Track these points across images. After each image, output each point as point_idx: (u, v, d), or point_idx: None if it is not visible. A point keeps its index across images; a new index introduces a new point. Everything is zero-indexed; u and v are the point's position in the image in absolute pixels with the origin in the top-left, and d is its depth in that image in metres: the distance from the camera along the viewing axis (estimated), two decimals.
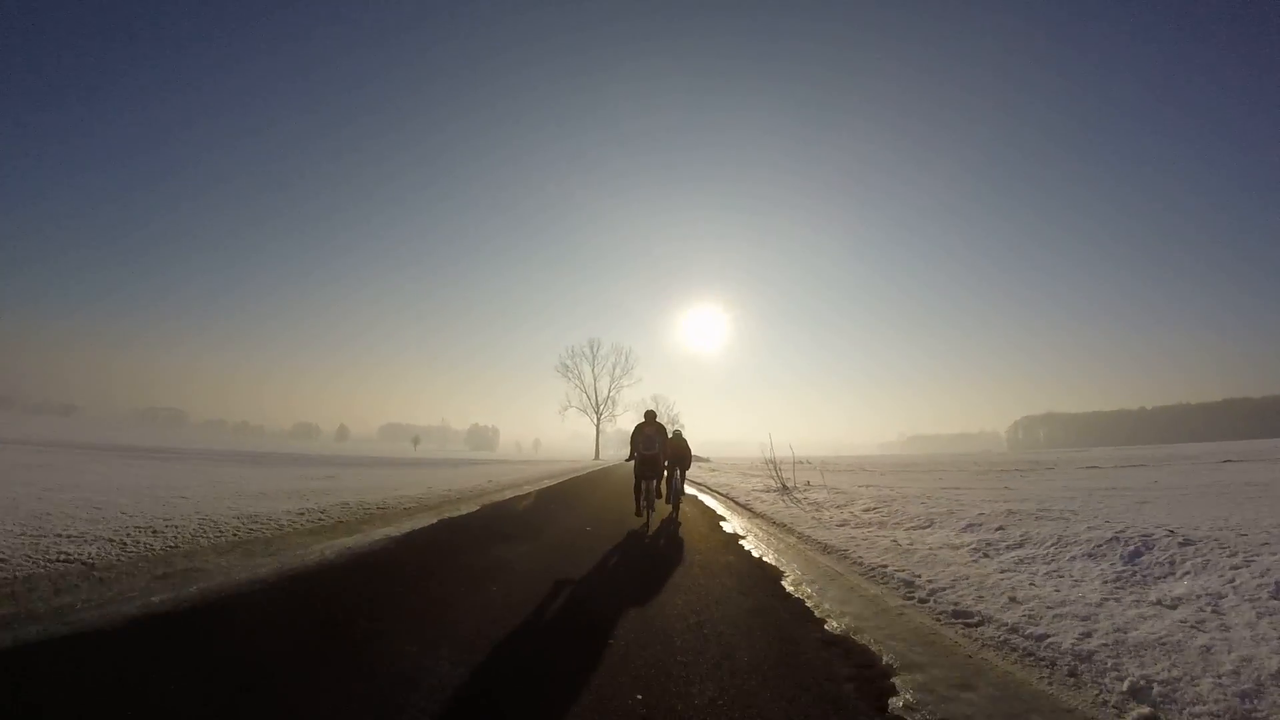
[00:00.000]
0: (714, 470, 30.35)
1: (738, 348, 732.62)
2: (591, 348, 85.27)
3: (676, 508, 11.30)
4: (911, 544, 7.54)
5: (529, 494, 16.41)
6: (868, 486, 15.63)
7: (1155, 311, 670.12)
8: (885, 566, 6.35)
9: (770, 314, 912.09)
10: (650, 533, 9.29)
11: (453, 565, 6.22)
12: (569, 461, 62.51)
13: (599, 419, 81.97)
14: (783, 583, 5.90)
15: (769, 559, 7.22)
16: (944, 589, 5.41)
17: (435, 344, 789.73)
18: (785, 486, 15.77)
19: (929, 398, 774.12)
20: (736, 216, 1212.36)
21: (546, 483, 22.18)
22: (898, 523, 9.27)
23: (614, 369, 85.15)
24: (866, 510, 10.74)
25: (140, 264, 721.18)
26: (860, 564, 6.70)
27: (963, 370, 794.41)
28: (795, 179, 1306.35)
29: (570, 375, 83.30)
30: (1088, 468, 26.12)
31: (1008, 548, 6.88)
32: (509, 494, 16.01)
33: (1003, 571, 5.96)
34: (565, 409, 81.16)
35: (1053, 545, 6.57)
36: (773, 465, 17.43)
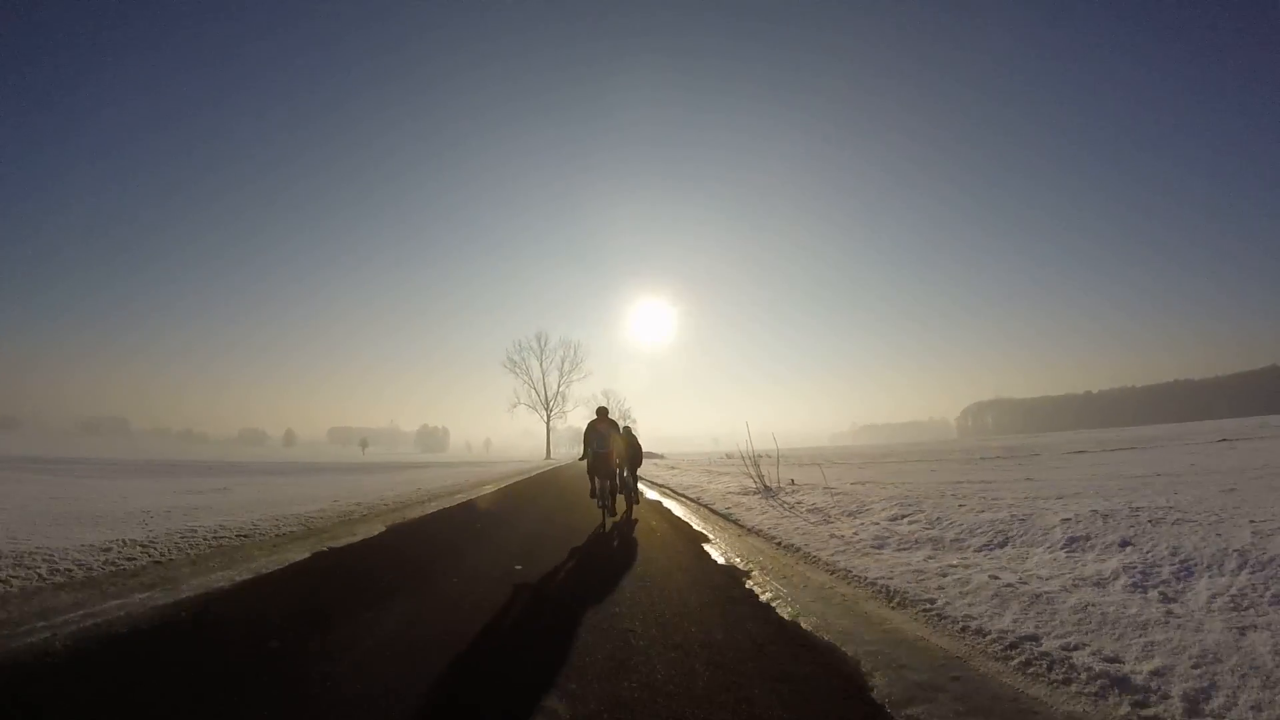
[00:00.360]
0: (673, 468, 27.70)
1: (686, 341, 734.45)
2: (539, 341, 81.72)
3: (630, 508, 10.82)
4: (1024, 580, 4.78)
5: (456, 506, 13.36)
6: (864, 484, 13.00)
7: (1098, 296, 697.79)
8: (1037, 646, 3.52)
9: (717, 307, 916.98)
10: (613, 544, 8.33)
11: (243, 674, 3.13)
12: (518, 462, 59.08)
13: (549, 415, 78.65)
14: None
15: (822, 633, 4.01)
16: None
17: (384, 345, 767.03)
18: (767, 487, 12.88)
19: (878, 388, 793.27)
20: (685, 209, 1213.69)
21: (487, 488, 19.26)
22: (960, 540, 6.50)
23: (563, 363, 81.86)
24: (895, 519, 8.00)
25: (82, 272, 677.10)
26: (985, 637, 3.77)
27: (911, 359, 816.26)
28: (740, 169, 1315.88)
29: (518, 370, 79.65)
30: (1076, 452, 24.43)
31: (1209, 585, 4.20)
32: (431, 507, 12.94)
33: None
34: (514, 406, 77.61)
35: None
36: (750, 461, 14.54)
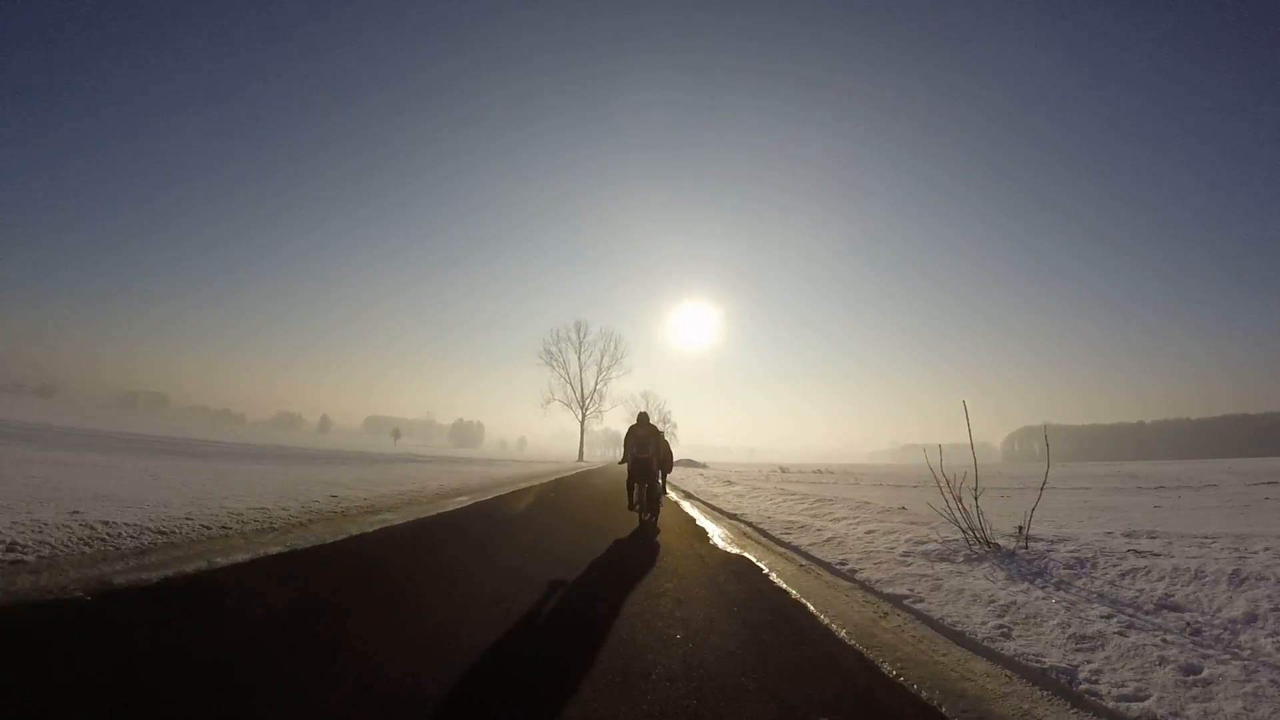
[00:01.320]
0: (730, 484, 22.34)
1: (726, 349, 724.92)
2: (578, 332, 76.89)
3: (655, 514, 9.95)
4: None
5: (449, 514, 9.29)
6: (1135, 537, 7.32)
7: (1153, 325, 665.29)
8: None
9: (760, 316, 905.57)
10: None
11: None
12: (549, 463, 54.25)
13: (584, 414, 73.70)
14: None
15: None
16: None
17: (423, 337, 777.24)
18: (989, 543, 6.24)
19: (919, 406, 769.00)
20: (730, 215, 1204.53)
21: (500, 490, 15.31)
22: None
23: (602, 357, 76.80)
24: None
25: (129, 248, 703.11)
26: None
27: (955, 379, 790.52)
28: (790, 181, 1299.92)
29: (554, 363, 74.97)
30: (1206, 486, 18.58)
31: None
32: (420, 511, 9.54)
33: None
34: (548, 402, 72.86)
35: None
36: (948, 490, 7.08)
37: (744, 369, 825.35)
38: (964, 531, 6.54)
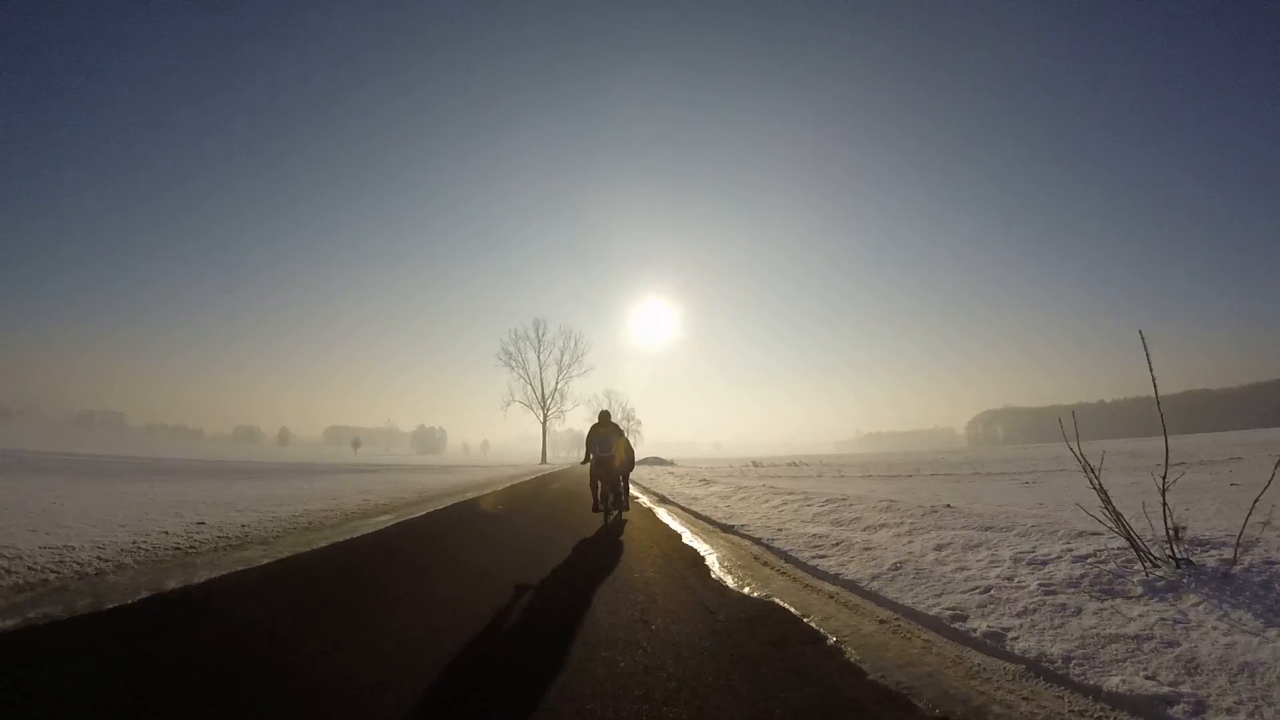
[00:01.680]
0: (707, 482, 19.96)
1: (686, 344, 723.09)
2: (537, 330, 74.11)
3: (621, 510, 10.47)
4: None
5: (343, 545, 6.13)
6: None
7: (1109, 304, 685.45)
8: None
9: (719, 312, 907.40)
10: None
11: None
12: (508, 467, 51.24)
13: (545, 414, 70.89)
14: None
15: None
16: None
17: (383, 344, 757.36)
18: (1172, 555, 3.88)
19: (881, 395, 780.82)
20: (687, 210, 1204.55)
21: (437, 504, 12.56)
22: None
23: (562, 356, 74.25)
24: None
25: (80, 266, 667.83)
26: None
27: (916, 366, 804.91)
28: (745, 171, 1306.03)
29: (513, 363, 71.88)
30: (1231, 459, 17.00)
31: None
32: (308, 542, 7.07)
33: None
34: (508, 404, 69.71)
35: None
36: (1092, 473, 4.53)
37: (706, 365, 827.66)
38: (1127, 540, 4.11)
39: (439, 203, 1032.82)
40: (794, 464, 40.99)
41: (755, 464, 43.56)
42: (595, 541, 7.66)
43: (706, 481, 19.76)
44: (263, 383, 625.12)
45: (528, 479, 26.11)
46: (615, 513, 9.98)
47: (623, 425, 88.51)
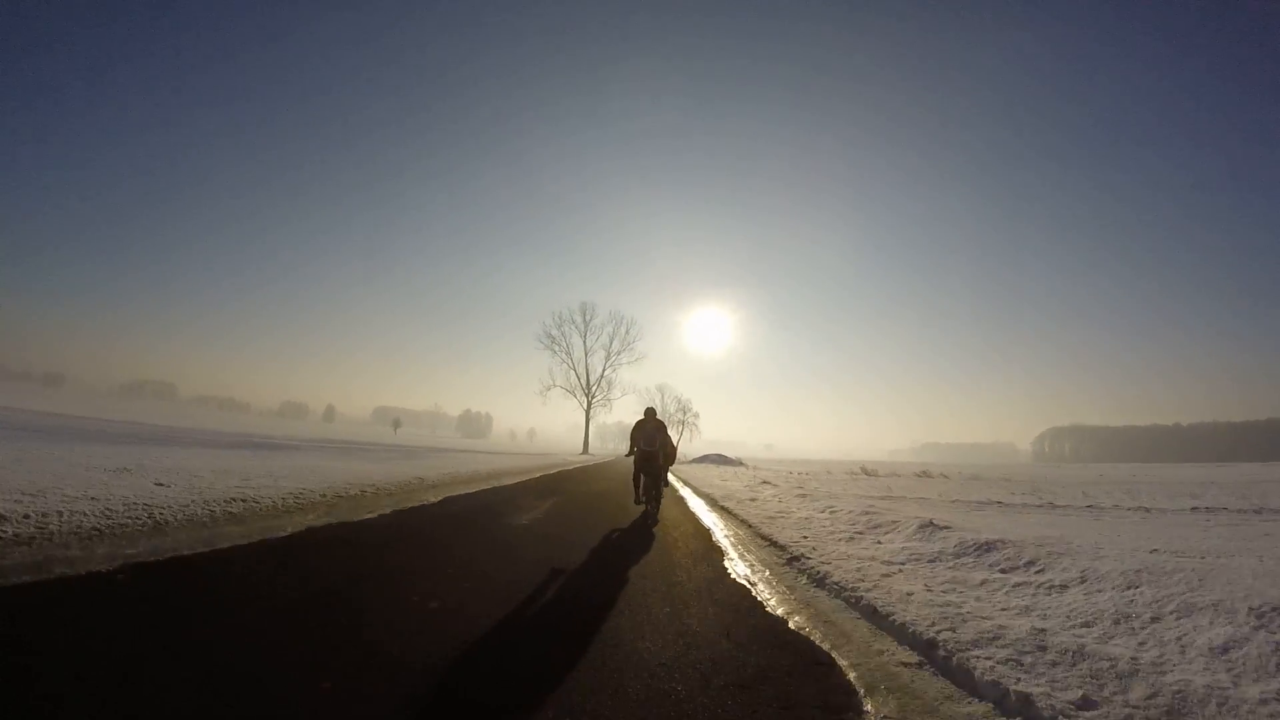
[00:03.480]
0: (831, 510, 16.04)
1: (741, 350, 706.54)
2: (583, 314, 70.21)
3: (657, 505, 10.15)
4: None
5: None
6: None
7: (1188, 325, 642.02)
8: None
9: (775, 318, 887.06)
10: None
11: None
12: (545, 455, 48.08)
13: (589, 403, 67.40)
14: None
15: None
16: None
17: (433, 327, 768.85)
18: None
19: (939, 405, 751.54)
20: (743, 218, 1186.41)
21: (437, 494, 9.66)
22: None
23: (611, 342, 70.17)
24: None
25: (138, 244, 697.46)
26: None
27: (977, 378, 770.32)
28: (806, 180, 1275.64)
29: (557, 348, 68.35)
30: None
31: None
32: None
33: None
34: (548, 389, 66.58)
35: None
36: None
37: (759, 368, 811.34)
38: None
39: (497, 196, 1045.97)
40: (864, 471, 36.05)
41: (865, 470, 37.19)
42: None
43: (832, 508, 11.24)
44: (312, 361, 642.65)
45: (555, 471, 22.56)
46: (653, 506, 10.06)
47: (679, 418, 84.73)
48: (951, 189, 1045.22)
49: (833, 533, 7.74)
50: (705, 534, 8.41)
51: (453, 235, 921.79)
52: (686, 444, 76.12)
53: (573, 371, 68.02)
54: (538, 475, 18.93)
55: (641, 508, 10.10)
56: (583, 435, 68.25)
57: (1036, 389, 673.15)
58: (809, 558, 6.22)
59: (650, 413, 10.46)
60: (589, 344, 69.52)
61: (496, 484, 14.36)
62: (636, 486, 10.18)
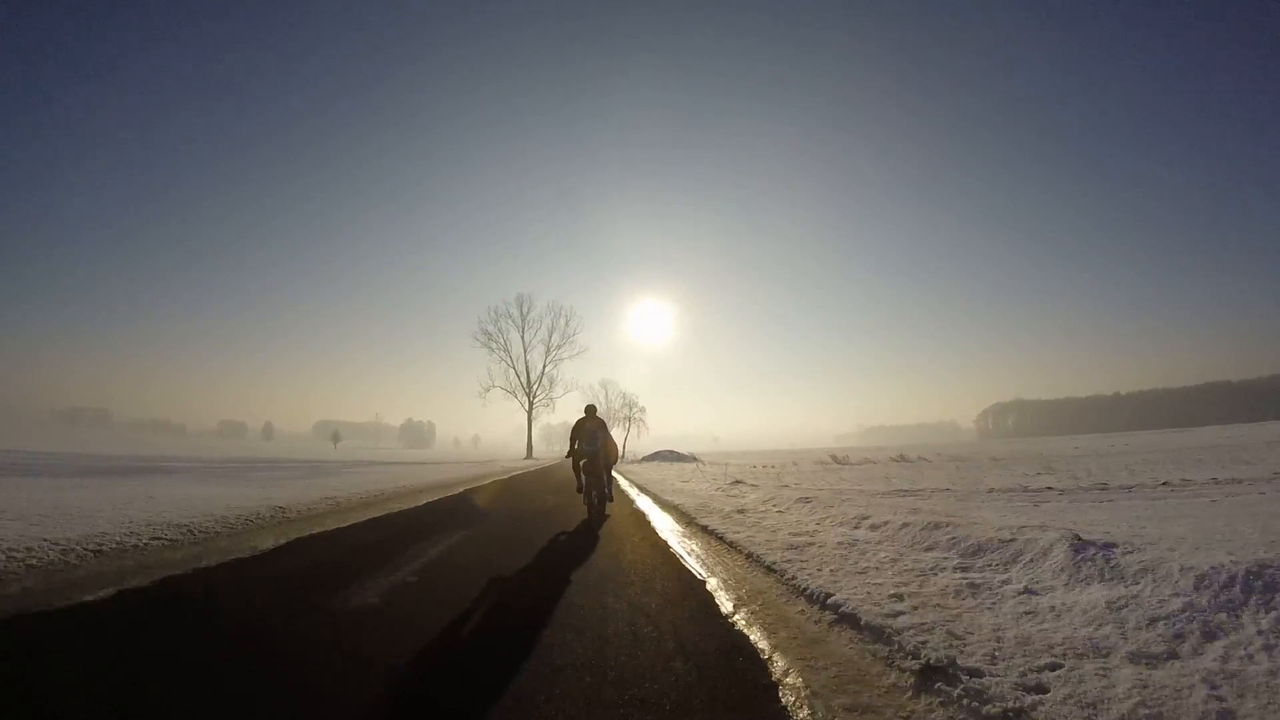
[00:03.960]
0: (867, 515, 12.70)
1: (685, 340, 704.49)
2: (520, 307, 65.96)
3: (603, 504, 10.33)
4: None
5: None
6: None
7: (1124, 294, 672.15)
8: None
9: (716, 307, 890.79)
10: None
11: None
12: (485, 462, 44.00)
13: (531, 402, 63.30)
14: None
15: None
16: None
17: (373, 338, 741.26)
18: None
19: (883, 388, 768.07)
20: (684, 208, 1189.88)
21: (280, 537, 5.28)
22: None
23: (550, 336, 66.20)
24: None
25: (65, 263, 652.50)
26: None
27: (917, 360, 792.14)
28: (742, 168, 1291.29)
29: (493, 344, 63.87)
30: None
31: None
32: None
33: None
34: (487, 389, 62.16)
35: None
36: None
37: (703, 360, 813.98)
38: None
39: (426, 196, 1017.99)
40: (826, 461, 33.33)
41: (836, 459, 33.56)
42: None
43: (806, 499, 12.08)
44: (250, 378, 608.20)
45: (481, 484, 18.75)
46: (599, 505, 10.15)
47: (625, 414, 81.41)
48: (881, 167, 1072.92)
49: (946, 589, 4.23)
50: (721, 623, 3.84)
51: (389, 238, 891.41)
52: (635, 441, 72.64)
53: (512, 369, 64.05)
54: (460, 490, 15.19)
55: (583, 498, 10.17)
56: (530, 438, 64.23)
57: (973, 368, 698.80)
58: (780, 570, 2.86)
59: (590, 410, 10.34)
60: (527, 339, 65.51)
61: (395, 508, 10.64)
62: (578, 476, 10.15)
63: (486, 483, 18.66)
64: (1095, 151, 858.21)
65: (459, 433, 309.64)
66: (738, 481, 15.72)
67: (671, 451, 53.35)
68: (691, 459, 45.87)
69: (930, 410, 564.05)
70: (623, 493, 14.42)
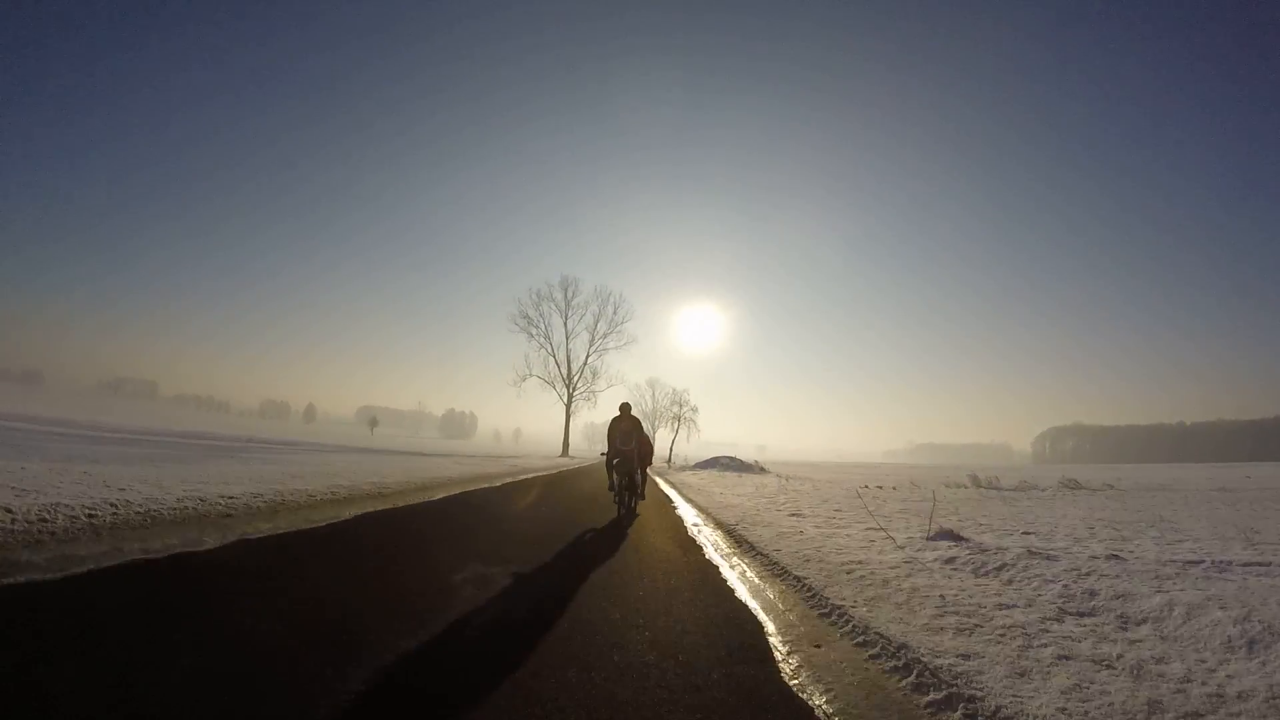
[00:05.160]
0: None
1: (732, 350, 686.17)
2: (564, 291, 59.25)
3: (636, 501, 10.64)
4: None
5: None
6: None
7: (1183, 322, 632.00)
8: None
9: (769, 318, 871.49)
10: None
11: None
12: (517, 457, 38.20)
13: (570, 395, 57.01)
14: None
15: None
16: None
17: (420, 326, 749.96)
18: None
19: (933, 405, 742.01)
20: (736, 216, 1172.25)
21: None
22: None
23: (595, 323, 59.26)
24: None
25: (119, 241, 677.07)
26: None
27: (971, 378, 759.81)
28: (799, 178, 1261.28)
29: (534, 330, 57.58)
30: None
31: None
32: None
33: None
34: (523, 379, 56.16)
35: None
36: None
37: (750, 368, 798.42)
38: None
39: (483, 200, 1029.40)
40: (1072, 483, 23.93)
41: (979, 482, 22.88)
42: None
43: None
44: (294, 359, 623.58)
45: (495, 485, 12.64)
46: (631, 503, 10.35)
47: (674, 411, 71.60)
48: (947, 186, 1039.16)
49: None
50: None
51: (440, 230, 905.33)
52: (683, 444, 64.38)
53: (552, 358, 57.55)
54: (460, 491, 10.07)
55: (613, 496, 10.12)
56: (571, 434, 58.15)
57: (1031, 389, 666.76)
58: None
59: (625, 408, 10.32)
60: (570, 326, 58.74)
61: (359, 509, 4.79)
62: (611, 476, 10.14)
63: (500, 484, 12.75)
64: (1153, 166, 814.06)
65: (500, 425, 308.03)
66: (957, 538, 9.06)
67: (732, 458, 40.97)
68: (758, 469, 37.16)
69: (983, 431, 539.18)
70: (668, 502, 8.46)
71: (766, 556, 6.44)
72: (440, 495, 10.96)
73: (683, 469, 37.91)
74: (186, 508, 6.43)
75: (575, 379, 57.23)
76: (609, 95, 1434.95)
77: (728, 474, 29.69)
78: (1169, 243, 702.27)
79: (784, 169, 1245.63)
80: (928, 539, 7.02)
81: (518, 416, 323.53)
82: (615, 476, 9.95)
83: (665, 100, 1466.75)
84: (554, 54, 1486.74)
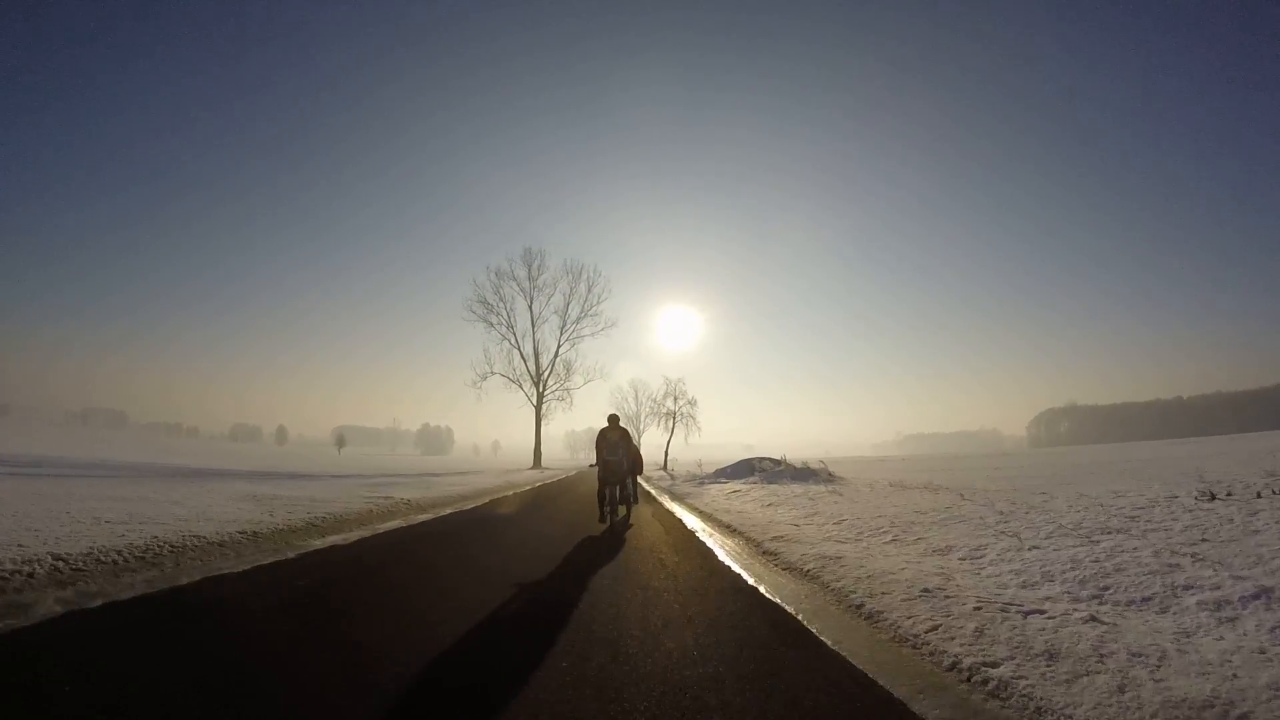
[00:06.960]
0: None
1: (714, 348, 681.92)
2: (528, 266, 49.14)
3: (625, 520, 10.40)
4: None
5: None
6: None
7: (1180, 301, 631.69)
8: None
9: (751, 314, 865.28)
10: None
11: None
12: (480, 473, 30.55)
13: (540, 393, 47.39)
14: None
15: None
16: None
17: (393, 342, 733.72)
18: None
19: (924, 394, 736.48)
20: (716, 211, 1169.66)
21: None
22: None
23: (567, 305, 49.11)
24: None
25: (83, 264, 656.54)
26: None
27: (957, 366, 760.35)
28: (779, 169, 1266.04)
29: (493, 318, 47.67)
30: None
31: None
32: None
33: None
34: (484, 377, 46.58)
35: None
36: None
37: (731, 366, 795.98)
38: None
39: (444, 200, 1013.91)
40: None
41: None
42: None
43: None
44: (265, 382, 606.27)
45: (380, 530, 5.41)
46: (622, 514, 10.40)
47: (669, 408, 58.58)
48: (929, 172, 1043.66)
49: None
50: None
51: (410, 244, 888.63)
52: (680, 447, 47.43)
53: (517, 350, 47.76)
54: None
55: (605, 526, 9.67)
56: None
57: (1019, 373, 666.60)
58: None
59: (614, 420, 10.27)
60: (537, 310, 48.62)
61: None
62: (601, 504, 9.83)
63: (392, 527, 5.70)
64: (1125, 148, 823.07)
65: (479, 438, 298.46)
66: None
67: (777, 461, 22.36)
68: (825, 474, 15.16)
69: (971, 418, 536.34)
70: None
71: None
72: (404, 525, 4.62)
73: (697, 481, 22.02)
74: None
75: (545, 375, 47.91)
76: (603, 94, 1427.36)
77: (788, 487, 14.84)
78: (1150, 218, 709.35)
79: (765, 158, 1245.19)
80: None
81: (497, 428, 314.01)
82: (606, 493, 9.87)
83: (663, 99, 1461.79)
84: (537, 49, 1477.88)
